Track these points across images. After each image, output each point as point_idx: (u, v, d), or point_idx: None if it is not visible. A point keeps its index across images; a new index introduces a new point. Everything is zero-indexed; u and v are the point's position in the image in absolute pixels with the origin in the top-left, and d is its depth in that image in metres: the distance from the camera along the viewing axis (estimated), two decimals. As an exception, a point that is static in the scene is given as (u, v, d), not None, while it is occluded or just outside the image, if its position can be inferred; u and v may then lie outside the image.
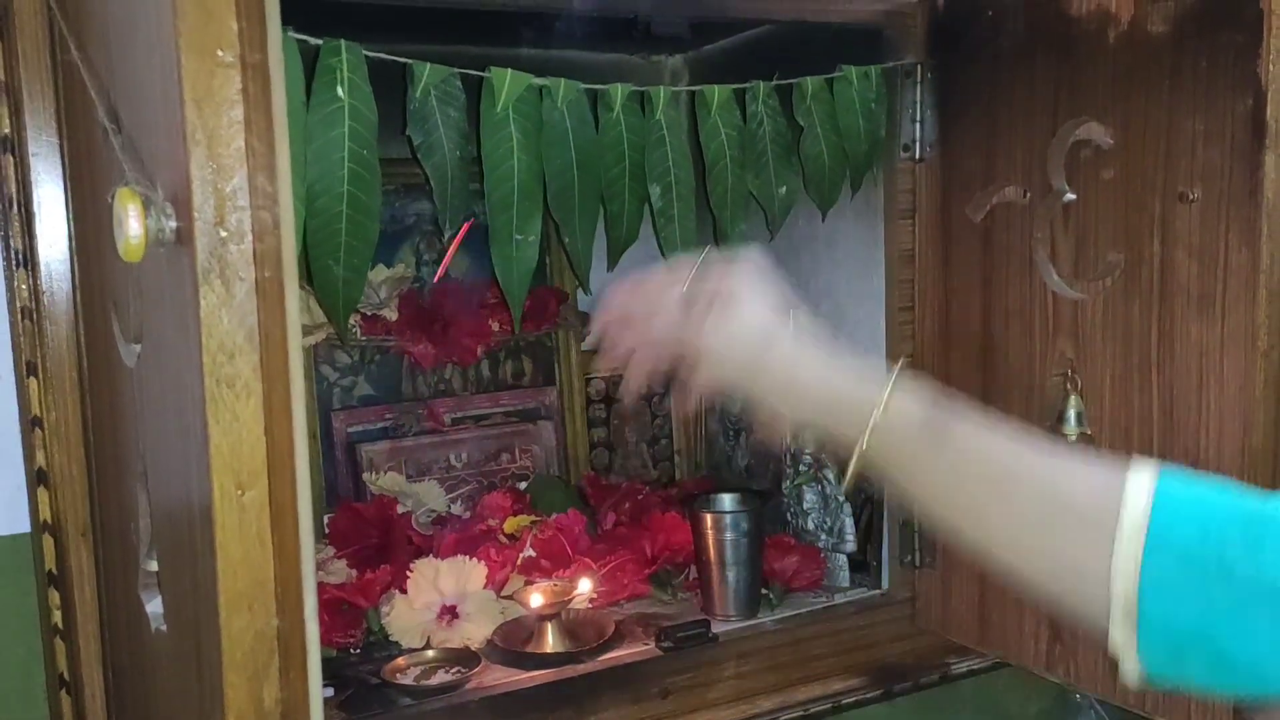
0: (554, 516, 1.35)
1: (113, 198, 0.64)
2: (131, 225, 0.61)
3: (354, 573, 1.22)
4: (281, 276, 0.59)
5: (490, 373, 1.50)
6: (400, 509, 1.33)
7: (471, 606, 1.19)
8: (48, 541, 0.95)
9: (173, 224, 0.62)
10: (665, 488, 1.55)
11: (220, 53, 0.58)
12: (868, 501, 1.32)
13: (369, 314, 1.39)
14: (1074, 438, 1.10)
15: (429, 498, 1.40)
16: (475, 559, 1.23)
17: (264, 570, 0.62)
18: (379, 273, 1.39)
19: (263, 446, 0.61)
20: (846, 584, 1.31)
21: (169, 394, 0.68)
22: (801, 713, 1.17)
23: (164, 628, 0.75)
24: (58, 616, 0.96)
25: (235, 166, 0.59)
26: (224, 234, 0.59)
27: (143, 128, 0.68)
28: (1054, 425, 1.08)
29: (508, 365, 1.52)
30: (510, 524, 1.35)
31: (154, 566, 0.76)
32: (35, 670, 1.04)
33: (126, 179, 0.66)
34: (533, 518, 1.36)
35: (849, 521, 1.31)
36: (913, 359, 1.25)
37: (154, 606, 0.77)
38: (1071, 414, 1.08)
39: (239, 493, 0.61)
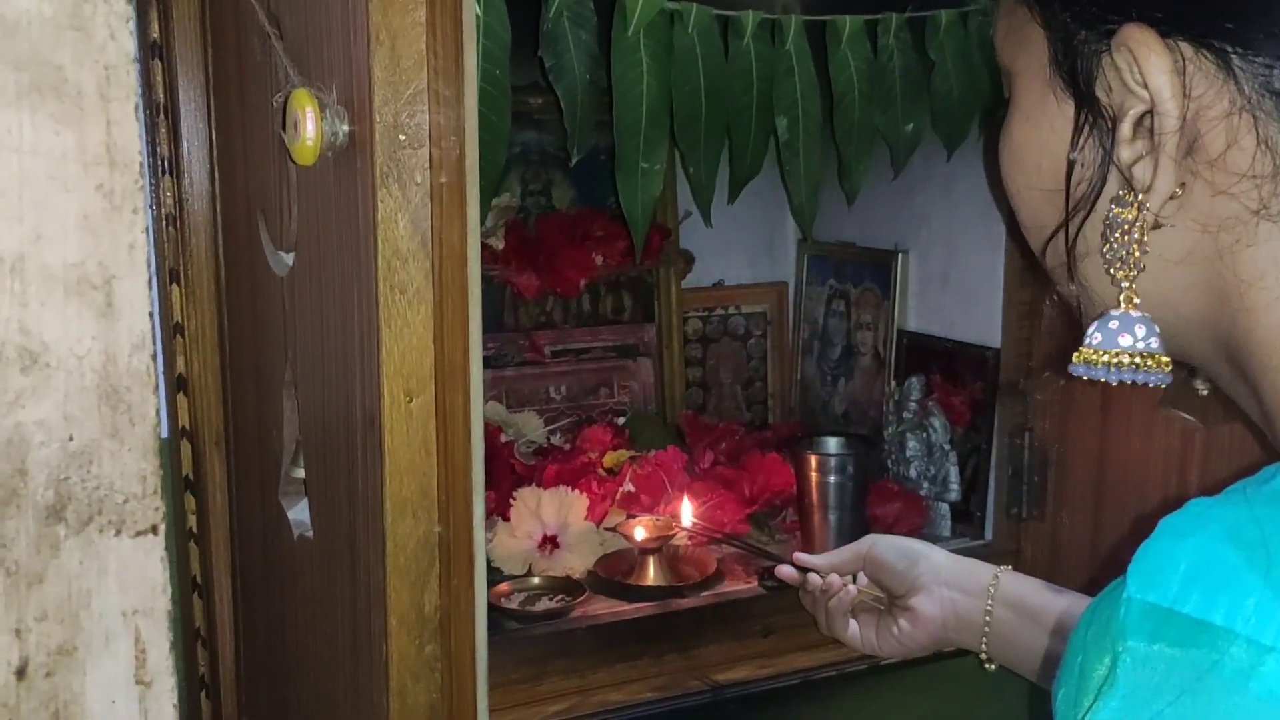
0: (653, 453, 1.34)
1: (285, 101, 0.63)
2: (308, 127, 0.61)
3: (459, 497, 1.23)
4: (462, 182, 0.58)
5: (590, 307, 1.50)
6: (502, 438, 1.34)
7: (572, 537, 1.20)
8: (185, 448, 0.97)
9: (346, 127, 0.62)
10: (759, 430, 1.54)
11: (406, -49, 0.57)
12: (974, 451, 1.30)
13: (476, 242, 1.39)
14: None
15: (528, 428, 1.40)
16: (577, 490, 1.24)
17: (428, 478, 0.62)
18: (486, 201, 1.39)
19: (431, 354, 0.61)
20: (948, 534, 1.29)
21: (331, 301, 0.68)
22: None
23: (309, 534, 0.76)
24: (192, 521, 0.98)
25: (416, 69, 0.58)
26: (402, 138, 0.59)
27: (311, 32, 0.67)
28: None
29: (608, 300, 1.51)
30: (610, 458, 1.35)
31: (300, 473, 0.77)
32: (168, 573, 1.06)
33: (294, 83, 0.65)
34: (631, 453, 1.36)
35: (954, 471, 1.29)
36: (1030, 306, 1.22)
37: (297, 513, 0.78)
38: (1204, 368, 1.04)
39: (407, 399, 0.61)
